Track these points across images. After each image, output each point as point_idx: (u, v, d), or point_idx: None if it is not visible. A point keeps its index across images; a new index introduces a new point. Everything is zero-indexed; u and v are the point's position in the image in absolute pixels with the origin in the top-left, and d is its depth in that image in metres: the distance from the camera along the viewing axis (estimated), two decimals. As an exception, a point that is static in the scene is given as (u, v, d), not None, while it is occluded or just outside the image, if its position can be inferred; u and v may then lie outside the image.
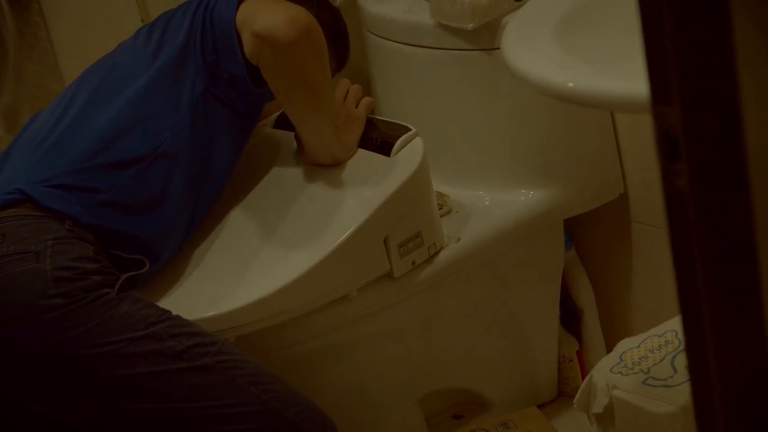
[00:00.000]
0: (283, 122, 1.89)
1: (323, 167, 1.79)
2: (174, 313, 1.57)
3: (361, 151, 1.79)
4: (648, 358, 1.71)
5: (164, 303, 1.63)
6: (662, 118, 0.79)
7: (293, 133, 1.82)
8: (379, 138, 1.79)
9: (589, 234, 2.07)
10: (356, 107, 1.83)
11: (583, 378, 2.06)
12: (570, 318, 2.08)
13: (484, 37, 1.82)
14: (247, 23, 1.64)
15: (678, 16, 0.73)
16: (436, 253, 1.80)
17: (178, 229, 1.70)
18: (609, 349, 1.97)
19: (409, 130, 1.79)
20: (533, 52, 1.40)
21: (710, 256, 0.78)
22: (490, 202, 1.93)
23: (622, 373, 1.71)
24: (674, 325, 1.75)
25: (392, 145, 1.77)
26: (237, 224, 1.77)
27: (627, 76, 1.36)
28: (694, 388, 0.85)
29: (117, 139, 1.64)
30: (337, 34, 1.90)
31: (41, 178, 1.60)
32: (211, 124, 1.72)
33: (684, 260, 0.81)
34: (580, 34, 1.42)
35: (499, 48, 1.81)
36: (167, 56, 1.71)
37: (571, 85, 1.31)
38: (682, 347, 1.70)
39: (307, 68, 1.65)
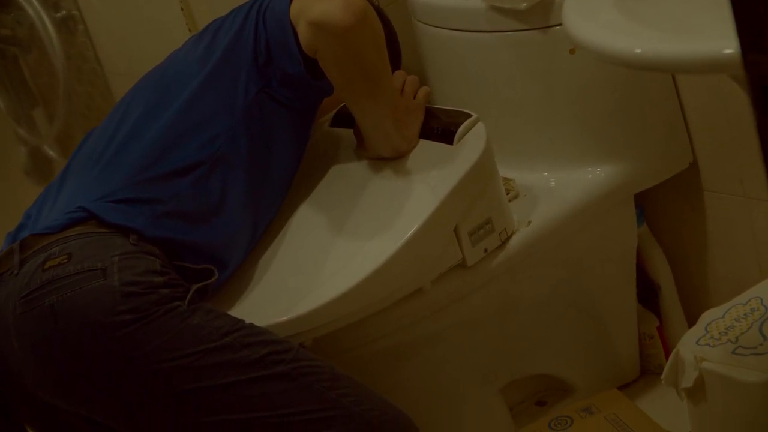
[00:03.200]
0: (340, 120, 1.87)
1: (386, 160, 1.77)
2: (248, 320, 1.55)
3: (423, 142, 1.76)
4: (735, 328, 1.67)
5: (237, 310, 1.62)
6: (755, 68, 0.76)
7: (352, 130, 1.80)
8: (440, 127, 1.76)
9: (660, 207, 2.03)
10: (414, 98, 1.80)
11: (665, 354, 2.02)
12: (648, 294, 2.04)
13: (538, 15, 1.79)
14: (302, 14, 1.62)
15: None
16: (508, 239, 1.77)
17: (243, 234, 1.68)
18: (689, 323, 1.94)
19: (471, 116, 1.76)
20: (596, 21, 1.37)
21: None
22: (556, 182, 1.90)
23: (709, 344, 1.67)
24: (758, 291, 1.70)
25: (454, 132, 1.74)
26: (304, 225, 1.75)
27: (693, 37, 1.33)
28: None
29: (172, 148, 1.63)
30: (387, 37, 1.88)
31: (102, 194, 1.59)
32: (268, 125, 1.70)
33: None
34: (641, 1, 1.39)
35: (554, 26, 1.80)
36: (217, 62, 1.69)
37: (638, 51, 1.28)
38: (770, 313, 1.66)
39: (365, 54, 1.63)
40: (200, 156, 1.63)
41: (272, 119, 1.70)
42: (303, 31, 1.62)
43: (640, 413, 1.66)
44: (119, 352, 1.48)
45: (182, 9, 2.07)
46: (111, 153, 1.64)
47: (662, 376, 1.73)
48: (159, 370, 1.49)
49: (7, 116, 2.78)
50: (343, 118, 1.84)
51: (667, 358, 1.74)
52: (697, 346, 1.68)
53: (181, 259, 1.59)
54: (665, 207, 2.03)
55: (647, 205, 2.02)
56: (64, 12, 2.48)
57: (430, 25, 1.97)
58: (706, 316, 1.70)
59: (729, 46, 1.09)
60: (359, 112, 1.73)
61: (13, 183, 2.87)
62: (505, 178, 1.88)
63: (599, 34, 1.31)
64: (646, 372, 2.04)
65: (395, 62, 1.92)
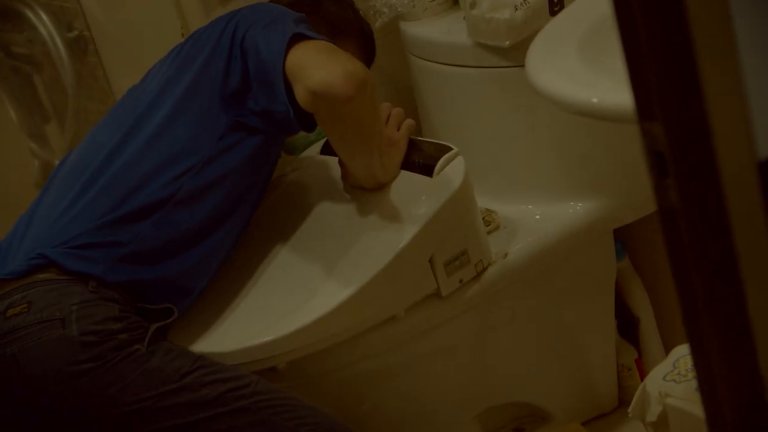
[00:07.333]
0: (329, 148, 1.92)
1: (367, 190, 1.81)
2: (221, 344, 1.60)
3: (404, 173, 1.81)
4: (701, 365, 1.70)
5: (208, 337, 1.67)
6: (649, 134, 0.80)
7: (337, 158, 1.84)
8: (421, 159, 1.81)
9: (642, 241, 2.06)
10: (398, 130, 1.84)
11: (643, 387, 2.06)
12: (628, 327, 2.08)
13: (521, 53, 1.82)
14: (301, 76, 1.58)
15: (651, 34, 0.75)
16: (484, 270, 1.81)
17: (208, 261, 1.71)
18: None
19: (451, 149, 1.80)
20: (556, 69, 1.41)
21: (703, 269, 0.79)
22: (541, 216, 1.93)
23: (675, 380, 1.71)
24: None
25: (434, 166, 1.78)
26: (281, 250, 1.80)
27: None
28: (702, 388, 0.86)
29: (139, 189, 1.65)
30: (361, 32, 1.95)
31: (63, 240, 1.62)
32: (238, 153, 1.71)
33: (682, 275, 0.81)
34: (604, 49, 1.42)
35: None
36: (188, 85, 1.71)
37: (594, 101, 1.32)
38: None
39: (362, 120, 1.64)
40: (164, 194, 1.65)
41: (242, 146, 1.72)
42: (301, 94, 1.59)
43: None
44: (80, 400, 1.53)
45: (183, 35, 2.13)
46: (75, 193, 1.67)
47: (629, 409, 1.77)
48: (119, 414, 1.54)
49: (21, 131, 2.84)
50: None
51: (645, 391, 1.78)
52: (663, 382, 1.72)
53: (141, 299, 1.63)
54: (648, 242, 2.06)
55: (629, 238, 2.06)
56: (76, 32, 2.54)
57: (421, 58, 2.01)
58: (676, 352, 1.74)
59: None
60: (347, 157, 1.76)
61: (26, 196, 2.92)
62: (488, 210, 1.93)
63: (557, 82, 1.35)
64: (624, 403, 2.07)
65: (369, 59, 1.98)
